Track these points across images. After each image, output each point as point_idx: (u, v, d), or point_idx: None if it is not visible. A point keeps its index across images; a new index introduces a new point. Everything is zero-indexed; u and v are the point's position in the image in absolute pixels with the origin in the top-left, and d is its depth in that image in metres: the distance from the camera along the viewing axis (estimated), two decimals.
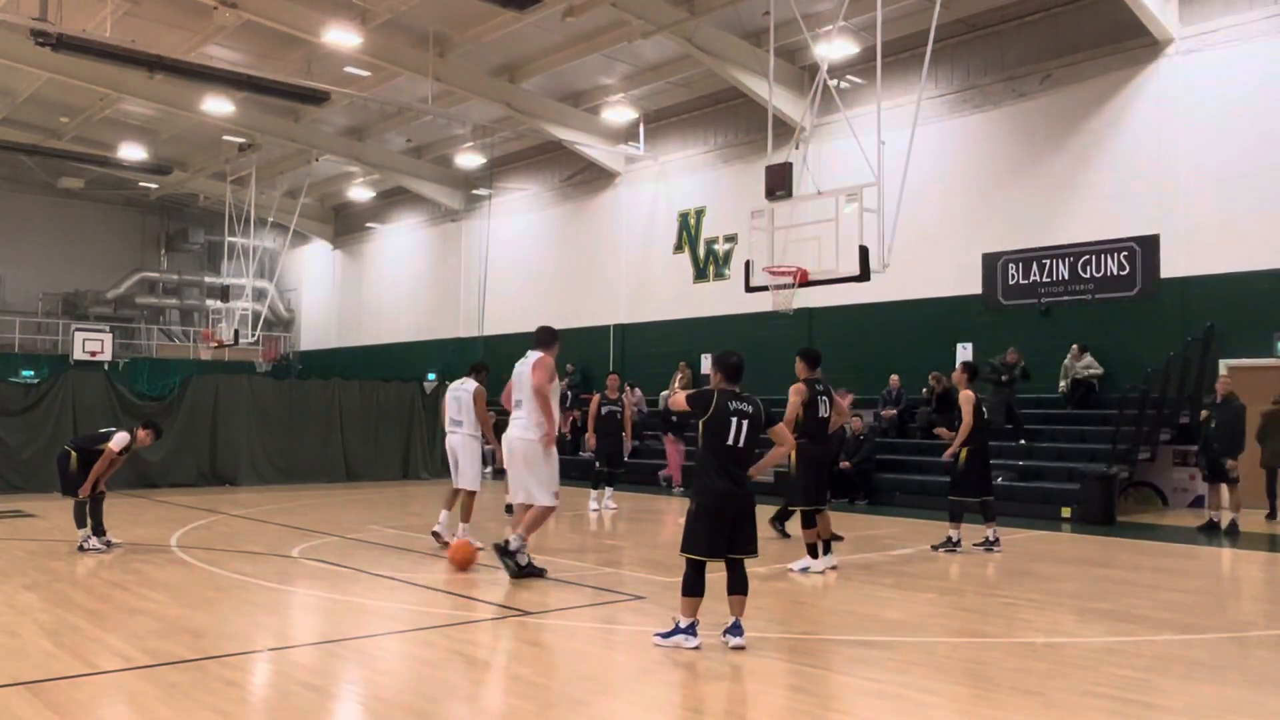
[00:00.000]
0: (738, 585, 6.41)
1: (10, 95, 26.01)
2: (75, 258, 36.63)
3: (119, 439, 10.41)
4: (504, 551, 8.74)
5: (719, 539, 6.35)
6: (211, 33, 20.67)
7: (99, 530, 10.53)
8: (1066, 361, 17.25)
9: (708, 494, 6.38)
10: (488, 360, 12.82)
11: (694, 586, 6.34)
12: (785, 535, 11.61)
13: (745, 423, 6.41)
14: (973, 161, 19.17)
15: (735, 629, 6.37)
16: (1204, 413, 13.53)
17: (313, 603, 8.25)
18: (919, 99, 14.21)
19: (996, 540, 11.10)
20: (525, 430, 8.79)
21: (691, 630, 6.32)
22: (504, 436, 8.98)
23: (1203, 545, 12.32)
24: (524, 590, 8.68)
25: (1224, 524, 13.13)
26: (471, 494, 10.80)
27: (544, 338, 9.01)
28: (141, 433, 10.72)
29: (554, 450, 8.92)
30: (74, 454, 10.49)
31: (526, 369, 8.83)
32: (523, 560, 8.77)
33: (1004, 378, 16.93)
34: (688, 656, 6.19)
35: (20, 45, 20.51)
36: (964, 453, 10.93)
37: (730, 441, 6.38)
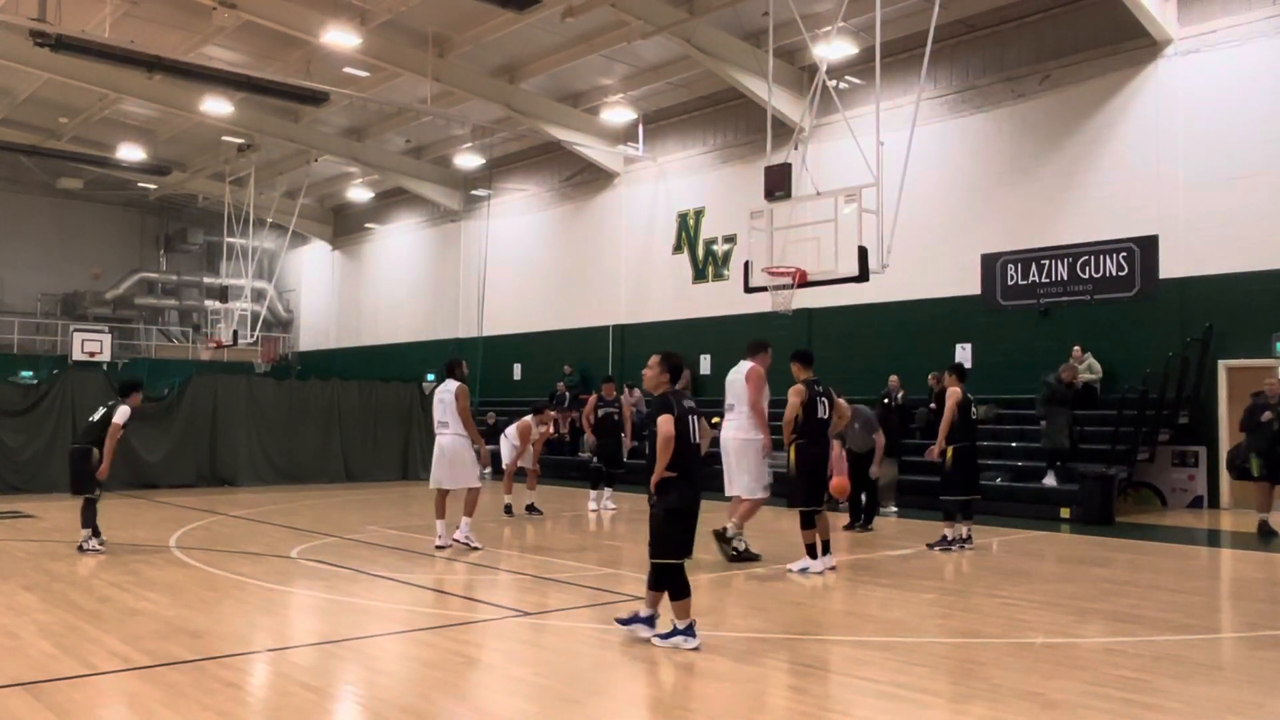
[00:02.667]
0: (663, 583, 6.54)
1: (9, 95, 26.00)
2: (74, 258, 36.62)
3: (121, 413, 10.50)
4: (721, 538, 9.84)
5: (690, 539, 6.50)
6: (211, 33, 20.66)
7: (95, 531, 10.59)
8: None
9: (682, 497, 6.45)
10: (486, 361, 12.81)
11: (681, 589, 6.41)
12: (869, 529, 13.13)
13: (695, 419, 6.60)
14: (972, 162, 19.18)
15: (650, 621, 6.51)
16: (1266, 414, 12.91)
17: (311, 603, 8.25)
18: (918, 99, 14.23)
19: (969, 538, 11.19)
20: (739, 430, 9.79)
21: (690, 631, 6.36)
22: (721, 436, 10.01)
23: (1202, 545, 12.34)
24: (523, 591, 8.69)
25: (1273, 523, 12.82)
26: (474, 490, 10.80)
27: (752, 347, 9.95)
28: (133, 399, 10.80)
29: (761, 450, 9.82)
30: (95, 449, 10.45)
31: (740, 379, 9.82)
32: (740, 546, 9.90)
33: (1068, 396, 15.52)
34: (687, 657, 6.19)
35: (19, 45, 20.50)
36: (950, 451, 10.94)
37: (691, 440, 6.53)
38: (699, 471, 6.58)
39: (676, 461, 6.41)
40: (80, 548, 10.39)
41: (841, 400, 10.17)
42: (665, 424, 6.38)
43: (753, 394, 9.81)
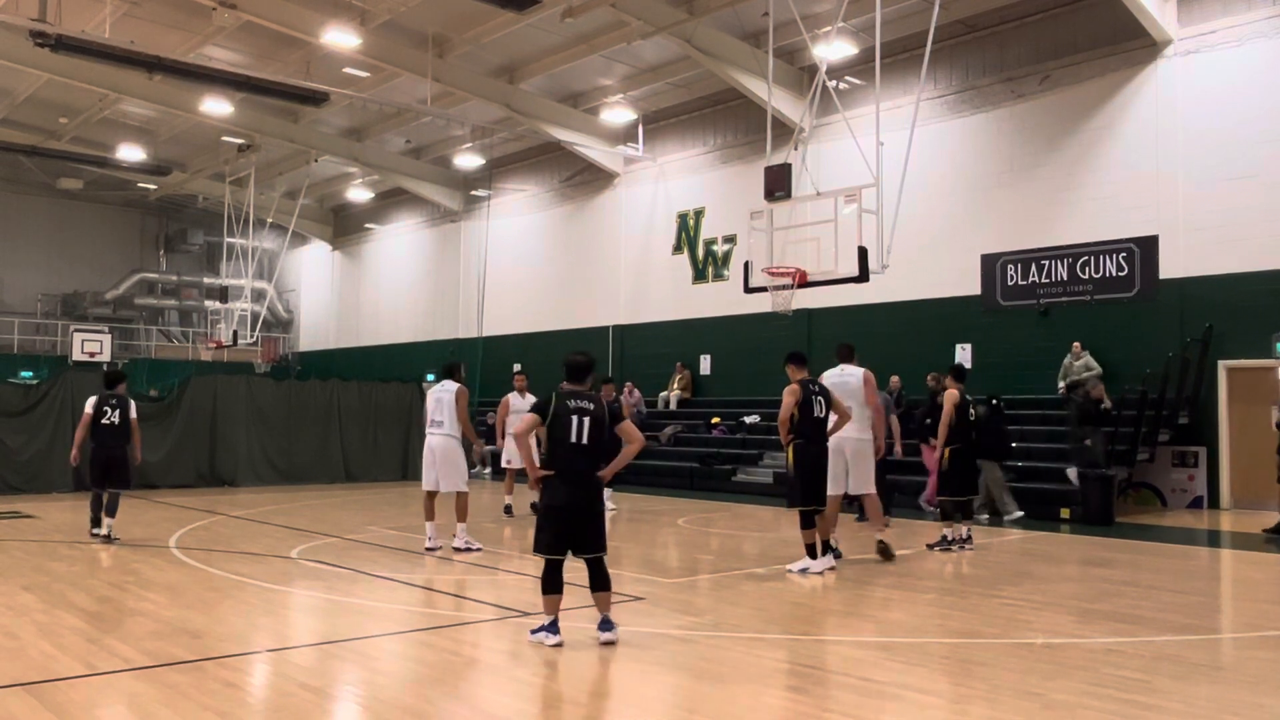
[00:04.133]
0: (600, 583, 6.54)
1: (9, 96, 25.99)
2: (74, 258, 36.61)
3: (135, 407, 11.43)
4: (883, 550, 10.26)
5: (565, 538, 6.46)
6: (211, 33, 20.66)
7: (97, 521, 10.86)
8: (1066, 361, 17.23)
9: (553, 495, 6.48)
10: (486, 361, 12.84)
11: (552, 584, 6.47)
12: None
13: (586, 420, 6.51)
14: (971, 162, 19.17)
15: (605, 625, 6.50)
16: (1276, 414, 12.95)
17: (311, 604, 8.25)
18: (918, 100, 14.23)
19: (969, 539, 11.26)
20: (860, 430, 10.13)
21: (553, 628, 6.41)
22: (835, 435, 9.90)
23: (1202, 546, 12.33)
24: (522, 591, 8.69)
25: None
26: (463, 495, 10.76)
27: (846, 352, 10.45)
28: (121, 389, 11.65)
29: (872, 450, 10.34)
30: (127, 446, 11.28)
31: (857, 383, 10.19)
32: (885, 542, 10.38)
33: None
34: (686, 657, 6.19)
35: (19, 46, 20.50)
36: (946, 452, 10.98)
37: (573, 440, 6.45)
38: (583, 471, 6.50)
39: (552, 460, 6.47)
40: (110, 537, 10.89)
41: (839, 399, 10.18)
42: (523, 423, 6.61)
43: (871, 395, 10.24)
